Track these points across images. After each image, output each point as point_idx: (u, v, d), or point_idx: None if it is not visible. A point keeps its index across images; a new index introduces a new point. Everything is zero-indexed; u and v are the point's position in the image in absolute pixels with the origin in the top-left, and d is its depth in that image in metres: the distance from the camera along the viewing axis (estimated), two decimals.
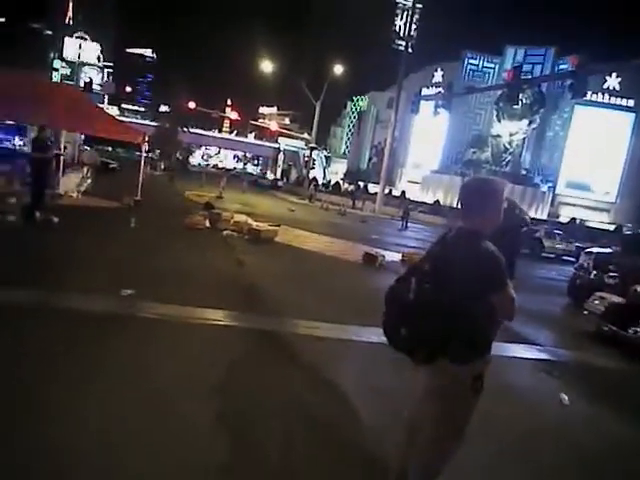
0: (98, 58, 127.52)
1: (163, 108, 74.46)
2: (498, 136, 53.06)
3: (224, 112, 77.21)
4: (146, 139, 15.06)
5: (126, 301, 5.64)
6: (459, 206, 2.59)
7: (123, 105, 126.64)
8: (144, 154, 15.86)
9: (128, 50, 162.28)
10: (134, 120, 79.10)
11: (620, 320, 7.53)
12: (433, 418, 2.48)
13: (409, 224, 27.36)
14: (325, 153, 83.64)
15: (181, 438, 3.17)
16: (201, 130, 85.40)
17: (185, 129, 62.82)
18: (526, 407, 4.66)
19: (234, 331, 5.47)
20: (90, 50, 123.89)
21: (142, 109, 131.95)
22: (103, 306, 5.33)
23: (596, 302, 8.17)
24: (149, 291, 6.16)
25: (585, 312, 8.30)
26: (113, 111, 79.20)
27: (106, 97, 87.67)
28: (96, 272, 6.75)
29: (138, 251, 8.67)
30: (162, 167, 46.42)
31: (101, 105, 27.81)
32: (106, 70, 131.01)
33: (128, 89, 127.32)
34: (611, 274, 10.61)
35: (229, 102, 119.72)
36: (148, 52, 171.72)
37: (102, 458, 2.83)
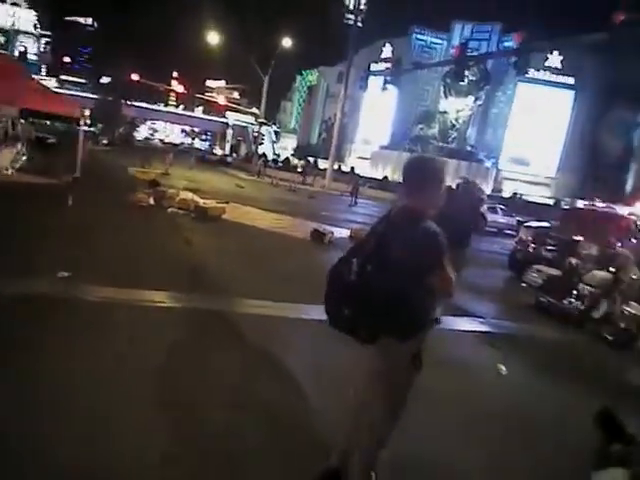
0: (34, 26, 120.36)
1: (105, 80, 71.04)
2: (445, 112, 53.82)
3: (170, 85, 74.49)
4: (86, 112, 14.38)
5: (63, 284, 5.42)
6: (401, 184, 2.62)
7: (62, 77, 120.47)
8: (84, 128, 15.15)
9: (67, 18, 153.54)
10: (75, 92, 75.45)
11: (556, 292, 7.89)
12: (376, 394, 2.55)
13: (359, 200, 27.56)
14: (275, 128, 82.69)
15: (124, 424, 3.10)
16: (146, 103, 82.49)
17: (129, 102, 60.50)
18: (468, 378, 4.82)
19: (181, 312, 5.38)
20: (25, 18, 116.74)
21: (83, 81, 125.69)
22: (38, 289, 5.08)
23: (534, 275, 8.52)
24: (88, 273, 5.94)
25: (524, 285, 8.63)
26: (51, 83, 75.25)
27: (44, 68, 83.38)
28: (30, 254, 6.42)
29: (77, 231, 8.31)
30: (104, 142, 44.63)
31: (38, 76, 26.28)
32: (43, 39, 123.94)
33: (67, 59, 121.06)
34: (549, 247, 11.08)
35: (175, 75, 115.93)
36: (89, 21, 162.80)
37: (37, 450, 2.73)
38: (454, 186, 5.78)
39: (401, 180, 2.63)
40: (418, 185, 2.54)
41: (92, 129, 48.61)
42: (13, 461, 2.61)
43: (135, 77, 51.54)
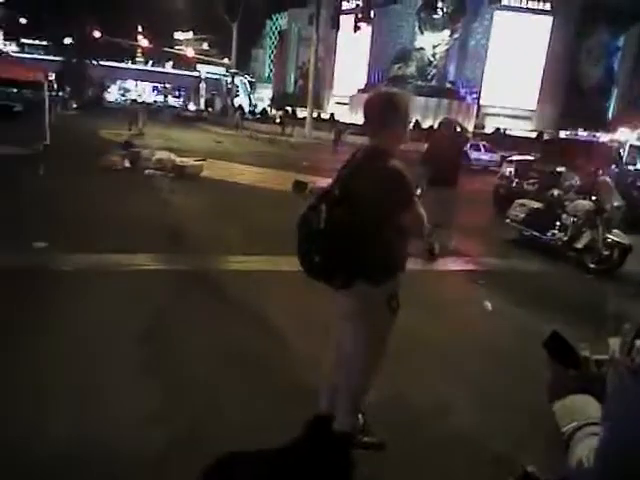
0: None
1: (67, 40, 67.72)
2: (421, 49, 52.28)
3: (135, 40, 71.39)
4: (50, 76, 13.80)
5: (40, 254, 5.30)
6: (364, 123, 2.52)
7: (23, 40, 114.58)
8: (50, 93, 14.60)
9: None
10: (38, 56, 72.38)
11: (539, 225, 7.89)
12: (354, 339, 2.52)
13: (341, 147, 27.12)
14: (249, 78, 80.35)
15: (112, 384, 3.10)
16: (113, 62, 79.41)
17: (94, 62, 58.11)
18: (453, 316, 4.85)
19: (162, 274, 5.32)
20: None
21: (45, 43, 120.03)
22: (14, 261, 4.97)
23: (518, 209, 8.45)
24: (66, 242, 5.81)
25: (508, 220, 8.59)
26: (11, 47, 71.91)
27: (1, 32, 79.74)
28: (3, 224, 6.24)
29: (51, 200, 8.09)
30: (74, 106, 43.19)
31: None
32: None
33: (23, 20, 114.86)
34: (531, 181, 11.03)
35: (140, 29, 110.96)
36: None
37: (34, 415, 2.70)
38: (436, 126, 5.64)
39: (363, 119, 2.53)
40: (380, 122, 2.43)
41: (60, 94, 46.89)
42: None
43: (97, 34, 49.17)
